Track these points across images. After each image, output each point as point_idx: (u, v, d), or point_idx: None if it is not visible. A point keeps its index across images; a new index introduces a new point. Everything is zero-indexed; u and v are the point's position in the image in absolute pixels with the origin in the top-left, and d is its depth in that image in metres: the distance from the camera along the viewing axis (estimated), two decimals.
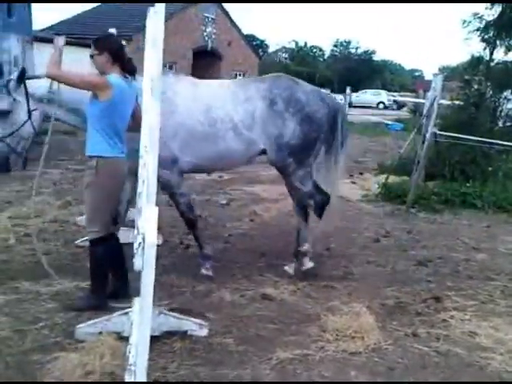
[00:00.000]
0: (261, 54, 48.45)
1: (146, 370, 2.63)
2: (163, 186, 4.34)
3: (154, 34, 2.70)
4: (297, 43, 61.86)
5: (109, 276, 4.03)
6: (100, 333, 3.41)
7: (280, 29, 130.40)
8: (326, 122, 4.76)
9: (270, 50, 65.72)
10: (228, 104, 4.55)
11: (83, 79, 3.76)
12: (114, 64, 3.77)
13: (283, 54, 62.60)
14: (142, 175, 2.74)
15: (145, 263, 2.56)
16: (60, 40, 3.83)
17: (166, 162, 4.21)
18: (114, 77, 3.73)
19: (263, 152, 4.72)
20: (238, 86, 4.73)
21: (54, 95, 4.19)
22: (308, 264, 4.87)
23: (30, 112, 4.22)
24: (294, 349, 3.50)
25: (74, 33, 23.36)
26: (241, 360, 3.37)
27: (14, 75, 4.23)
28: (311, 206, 5.07)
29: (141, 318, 2.60)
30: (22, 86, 4.16)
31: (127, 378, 2.67)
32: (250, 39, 41.75)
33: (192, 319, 3.63)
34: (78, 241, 5.26)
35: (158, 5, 2.65)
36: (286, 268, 4.90)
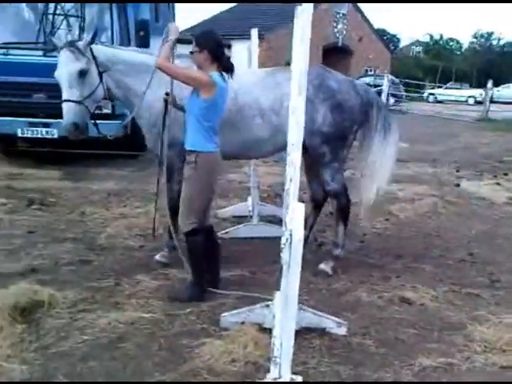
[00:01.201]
0: (392, 48, 47.03)
1: (290, 363, 2.69)
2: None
3: (302, 32, 2.73)
4: (431, 36, 59.06)
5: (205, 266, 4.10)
6: (242, 323, 3.53)
7: (413, 22, 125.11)
8: (359, 113, 4.59)
9: (403, 44, 63.54)
10: (256, 90, 4.51)
11: (189, 76, 3.83)
12: (213, 62, 3.81)
13: (416, 48, 60.17)
14: (289, 173, 2.79)
15: (291, 259, 2.61)
16: (173, 33, 3.96)
17: None
18: (216, 75, 3.79)
19: None
20: (267, 73, 4.74)
21: (112, 65, 4.33)
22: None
23: (100, 74, 4.26)
24: (437, 357, 3.35)
25: None
26: (382, 363, 3.30)
27: (88, 36, 4.27)
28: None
29: (286, 313, 2.66)
30: (89, 48, 4.19)
31: (272, 370, 2.74)
32: (381, 34, 40.67)
33: (331, 317, 3.63)
34: (220, 232, 5.49)
35: (305, 4, 2.68)
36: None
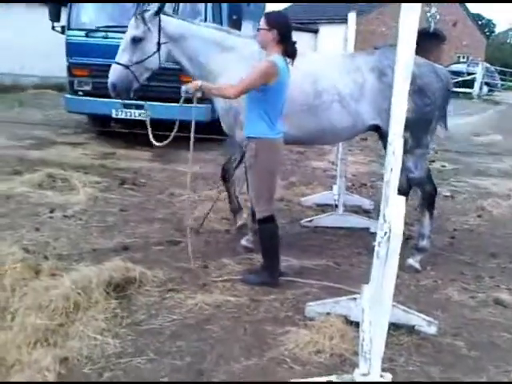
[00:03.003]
0: (487, 34, 44.44)
1: (380, 359, 2.61)
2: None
3: (409, 23, 2.60)
4: None
5: (279, 253, 4.06)
6: (328, 313, 3.48)
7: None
8: (440, 98, 4.38)
9: (499, 29, 59.96)
10: (335, 75, 4.36)
11: (261, 76, 3.64)
12: (279, 44, 3.68)
13: None
14: (391, 163, 2.69)
15: (389, 254, 2.51)
16: (192, 88, 3.89)
17: None
18: (278, 58, 3.66)
19: (375, 129, 4.51)
20: (346, 57, 4.60)
21: (182, 38, 4.35)
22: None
23: (159, 44, 4.32)
24: None
25: (297, 18, 24.32)
26: (474, 366, 3.14)
27: (154, 6, 4.32)
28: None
29: (379, 309, 2.58)
30: (157, 18, 4.28)
31: (361, 365, 2.67)
32: (476, 18, 38.50)
33: (420, 315, 3.49)
34: (303, 220, 5.46)
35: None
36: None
